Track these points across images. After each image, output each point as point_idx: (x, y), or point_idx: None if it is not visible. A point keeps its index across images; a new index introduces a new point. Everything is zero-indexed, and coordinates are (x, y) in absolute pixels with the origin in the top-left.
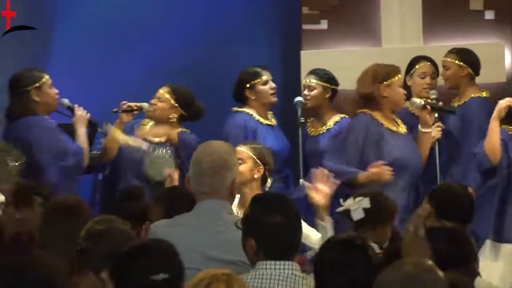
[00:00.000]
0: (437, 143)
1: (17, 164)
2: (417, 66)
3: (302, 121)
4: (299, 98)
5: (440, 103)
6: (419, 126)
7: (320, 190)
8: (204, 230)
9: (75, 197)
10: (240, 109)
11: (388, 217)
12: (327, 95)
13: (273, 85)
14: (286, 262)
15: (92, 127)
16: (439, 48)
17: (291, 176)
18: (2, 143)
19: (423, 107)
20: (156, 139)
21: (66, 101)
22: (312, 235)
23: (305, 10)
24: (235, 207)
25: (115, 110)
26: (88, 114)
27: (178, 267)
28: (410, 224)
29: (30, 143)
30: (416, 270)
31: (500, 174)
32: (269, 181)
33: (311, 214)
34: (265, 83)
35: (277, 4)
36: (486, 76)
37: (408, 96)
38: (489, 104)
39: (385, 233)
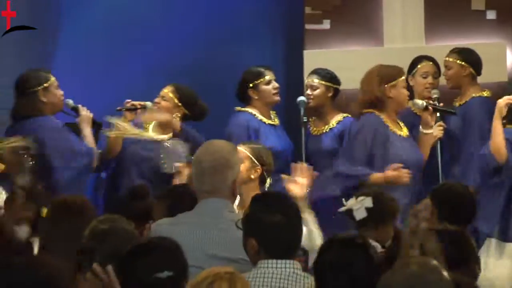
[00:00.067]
0: (439, 142)
1: (32, 163)
2: (419, 66)
3: (305, 120)
4: (302, 98)
5: (441, 104)
6: (420, 127)
7: (298, 182)
8: (206, 228)
9: (81, 197)
10: (243, 109)
11: (390, 217)
12: (330, 95)
13: (276, 84)
14: (288, 261)
15: (96, 127)
16: (441, 48)
17: None
18: (24, 139)
19: (425, 108)
20: (164, 136)
21: (70, 101)
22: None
23: (307, 10)
24: (236, 208)
25: (118, 108)
26: (92, 114)
27: (182, 264)
28: (410, 217)
29: (41, 143)
30: (421, 270)
31: (506, 173)
32: (268, 181)
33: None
34: (268, 82)
35: (280, 4)
36: (488, 76)
37: (410, 96)
38: (490, 104)
39: (387, 233)
